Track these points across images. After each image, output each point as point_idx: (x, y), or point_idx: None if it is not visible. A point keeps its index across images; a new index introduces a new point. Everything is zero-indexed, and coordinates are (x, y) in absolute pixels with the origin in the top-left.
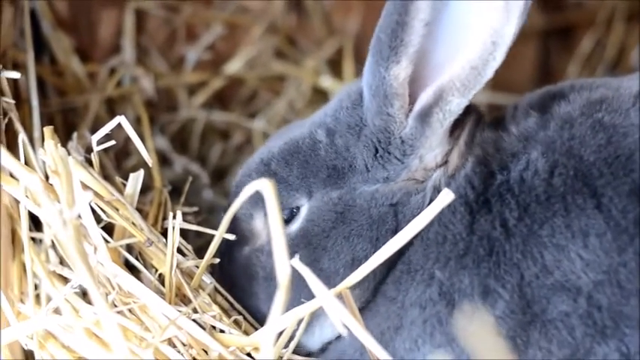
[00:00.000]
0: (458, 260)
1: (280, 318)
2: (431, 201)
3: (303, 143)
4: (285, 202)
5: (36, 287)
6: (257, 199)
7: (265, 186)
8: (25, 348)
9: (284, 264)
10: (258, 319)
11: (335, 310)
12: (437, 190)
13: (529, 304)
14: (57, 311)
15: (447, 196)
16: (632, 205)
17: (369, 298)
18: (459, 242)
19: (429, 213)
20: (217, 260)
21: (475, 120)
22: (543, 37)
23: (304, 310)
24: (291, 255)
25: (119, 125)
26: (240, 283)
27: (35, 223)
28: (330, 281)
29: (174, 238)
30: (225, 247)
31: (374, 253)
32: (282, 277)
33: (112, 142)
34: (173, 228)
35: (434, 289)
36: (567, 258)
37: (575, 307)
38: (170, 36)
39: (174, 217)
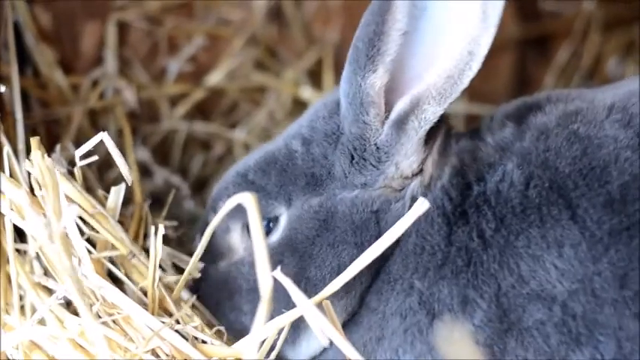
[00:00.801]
0: (436, 270)
1: (262, 328)
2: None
3: (279, 153)
4: (263, 211)
5: (21, 298)
6: (234, 212)
7: (247, 198)
8: (11, 358)
9: (266, 276)
10: (241, 333)
11: (316, 320)
12: (415, 199)
13: (505, 313)
14: (42, 322)
15: (422, 205)
16: (606, 216)
17: (355, 308)
18: (437, 253)
19: (405, 222)
20: (197, 275)
21: (446, 130)
22: (520, 47)
23: (285, 319)
24: (277, 265)
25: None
26: (219, 299)
27: (20, 234)
28: (317, 289)
29: (157, 252)
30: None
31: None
32: (265, 288)
33: (95, 158)
34: (155, 241)
35: (414, 299)
36: (542, 268)
37: (550, 316)
38: (152, 48)
39: (155, 232)
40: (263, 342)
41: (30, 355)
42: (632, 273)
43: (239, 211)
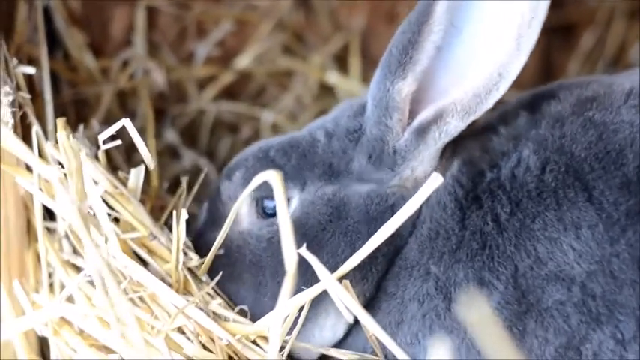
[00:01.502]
0: (451, 254)
1: (285, 304)
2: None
3: (302, 140)
4: None
5: (50, 276)
6: (247, 182)
7: (273, 176)
8: (40, 334)
9: (291, 252)
10: (236, 302)
11: (340, 296)
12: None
13: (524, 294)
14: (70, 300)
15: (436, 180)
16: (623, 197)
17: (373, 294)
18: (451, 237)
19: (420, 196)
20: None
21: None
22: (545, 35)
23: (307, 295)
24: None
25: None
26: (220, 266)
27: (49, 213)
28: None
29: (179, 237)
30: (201, 234)
31: (376, 247)
32: (290, 264)
33: (118, 142)
34: (178, 226)
35: (431, 284)
36: (560, 249)
37: (570, 296)
38: (180, 32)
39: (178, 217)
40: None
41: (60, 332)
42: None
43: (247, 183)
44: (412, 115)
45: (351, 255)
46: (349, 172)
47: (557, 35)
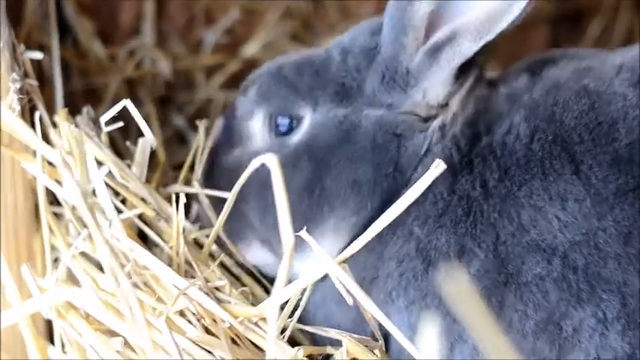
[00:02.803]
0: (436, 219)
1: (284, 289)
2: (430, 145)
3: (317, 57)
4: (289, 107)
5: (56, 261)
6: (261, 97)
7: (271, 160)
8: (46, 317)
9: (289, 233)
10: (242, 221)
11: (341, 279)
12: (436, 135)
13: (503, 263)
14: (77, 283)
15: (438, 168)
16: (613, 175)
17: (360, 232)
18: (438, 201)
19: (422, 183)
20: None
21: (477, 74)
22: (553, 23)
23: (308, 279)
24: (294, 167)
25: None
26: (228, 186)
27: (57, 198)
28: (330, 202)
29: (179, 221)
30: (216, 153)
31: (374, 179)
32: (287, 245)
33: (120, 124)
34: (178, 203)
35: (412, 245)
36: (544, 218)
37: (550, 270)
38: (189, 20)
39: (177, 202)
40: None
41: (65, 316)
42: (636, 232)
43: (266, 98)
44: (429, 33)
45: (353, 181)
46: (361, 94)
47: (565, 24)
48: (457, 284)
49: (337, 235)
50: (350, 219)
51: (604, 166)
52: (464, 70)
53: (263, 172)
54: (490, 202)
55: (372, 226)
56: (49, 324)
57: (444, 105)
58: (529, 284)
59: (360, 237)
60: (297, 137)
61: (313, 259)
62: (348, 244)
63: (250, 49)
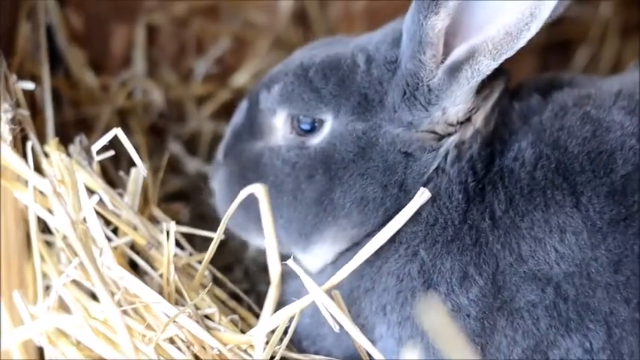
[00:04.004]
0: (444, 245)
1: (272, 317)
2: (439, 166)
3: (344, 62)
4: (311, 111)
5: (48, 288)
6: (284, 98)
7: (259, 190)
8: (38, 344)
9: (275, 262)
10: (250, 214)
11: (327, 307)
12: (447, 155)
13: (500, 290)
14: (68, 311)
15: (422, 196)
16: (608, 207)
17: (360, 241)
18: (449, 227)
19: (405, 214)
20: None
21: (504, 85)
22: (542, 51)
23: (296, 307)
24: (308, 177)
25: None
26: (245, 177)
27: (48, 226)
28: (336, 213)
29: (170, 251)
30: (238, 136)
31: (381, 198)
32: (274, 274)
33: (112, 153)
34: (168, 235)
35: (415, 266)
36: (543, 249)
37: (542, 298)
38: (180, 49)
39: (168, 234)
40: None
41: (56, 343)
42: (625, 260)
43: (289, 99)
44: (446, 50)
45: (361, 198)
46: (383, 108)
47: (553, 51)
48: (436, 315)
49: (335, 242)
50: (351, 231)
51: (601, 197)
52: (491, 79)
53: (271, 170)
54: (495, 233)
55: (355, 256)
56: (40, 351)
57: (465, 121)
58: (521, 310)
59: (344, 267)
60: (317, 140)
61: (314, 253)
62: (346, 251)
63: (240, 78)
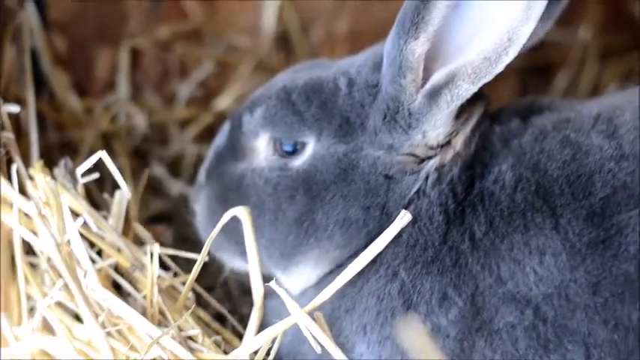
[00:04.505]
0: (424, 266)
1: (255, 337)
2: (420, 189)
3: (326, 85)
4: (294, 133)
5: (32, 310)
6: (267, 121)
7: (242, 213)
8: None
9: (258, 284)
10: (230, 235)
11: (310, 329)
12: (428, 178)
13: (479, 311)
14: (52, 332)
15: (403, 219)
16: (587, 229)
17: (343, 263)
18: (429, 249)
19: (386, 236)
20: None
21: (483, 109)
22: (521, 75)
23: (278, 328)
24: (289, 198)
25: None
26: (226, 199)
27: (33, 248)
28: (318, 234)
29: (153, 273)
30: (220, 158)
31: (364, 220)
32: (257, 296)
33: (96, 175)
34: (152, 256)
35: (395, 286)
36: (522, 271)
37: (521, 319)
38: (163, 73)
39: (151, 256)
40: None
41: None
42: (604, 281)
43: (272, 122)
44: (426, 74)
45: (343, 220)
46: (364, 131)
47: (533, 75)
48: (416, 335)
49: (318, 265)
50: (333, 252)
51: (580, 220)
52: (471, 102)
53: (253, 191)
54: (475, 254)
55: (337, 278)
56: None
57: (445, 144)
58: (500, 332)
59: (326, 288)
60: (299, 162)
61: (297, 275)
62: (329, 273)
63: (223, 102)
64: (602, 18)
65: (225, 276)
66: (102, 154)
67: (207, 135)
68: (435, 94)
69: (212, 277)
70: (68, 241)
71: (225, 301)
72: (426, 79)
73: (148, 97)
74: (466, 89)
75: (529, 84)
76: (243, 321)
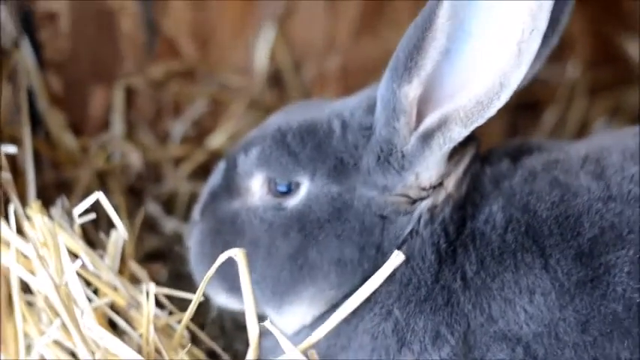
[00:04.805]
0: (417, 304)
1: None
2: (413, 229)
3: (321, 127)
4: (288, 174)
5: (28, 348)
6: (262, 161)
7: (238, 254)
8: None
9: (254, 325)
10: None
11: None
12: (421, 218)
13: (470, 350)
14: None
15: (397, 258)
16: (575, 269)
17: (338, 302)
18: (422, 288)
19: (380, 275)
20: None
21: (475, 151)
22: (511, 112)
23: None
24: (283, 237)
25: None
26: (220, 235)
27: (29, 287)
28: (312, 273)
29: (150, 311)
30: (215, 196)
31: (359, 259)
32: (252, 336)
33: (93, 216)
34: (148, 295)
35: (389, 324)
36: (512, 310)
37: (512, 357)
38: (157, 111)
39: (147, 295)
40: None
41: None
42: (592, 320)
43: (266, 162)
44: (419, 117)
45: (338, 260)
46: (358, 172)
47: (522, 112)
48: None
49: (313, 304)
50: (329, 292)
51: (569, 260)
52: (462, 144)
53: (248, 228)
54: (467, 294)
55: (332, 316)
56: None
57: (437, 185)
58: None
59: (320, 327)
60: (293, 202)
61: (291, 314)
62: (324, 313)
63: (216, 140)
64: (590, 53)
65: (218, 312)
66: (99, 195)
67: (201, 172)
68: (427, 137)
69: (206, 313)
70: (66, 284)
71: (219, 338)
72: (419, 122)
73: (143, 135)
74: (458, 132)
75: (518, 121)
76: (237, 357)
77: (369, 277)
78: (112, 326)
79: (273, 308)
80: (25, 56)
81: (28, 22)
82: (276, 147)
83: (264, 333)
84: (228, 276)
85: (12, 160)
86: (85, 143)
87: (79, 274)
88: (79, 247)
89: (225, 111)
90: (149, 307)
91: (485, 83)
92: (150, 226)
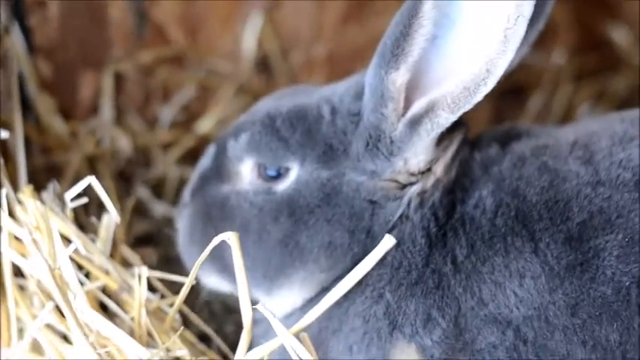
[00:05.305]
0: (409, 288)
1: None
2: (403, 213)
3: (310, 112)
4: (278, 159)
5: (21, 331)
6: (252, 147)
7: (232, 237)
8: None
9: (247, 308)
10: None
11: (295, 351)
12: (411, 203)
13: (461, 332)
14: (41, 353)
15: (388, 242)
16: (565, 252)
17: (329, 286)
18: (412, 271)
19: (371, 259)
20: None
21: (463, 136)
22: (496, 98)
23: (265, 349)
24: (273, 220)
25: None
26: (210, 218)
27: (21, 271)
28: (302, 257)
29: (142, 294)
30: (205, 179)
31: (349, 243)
32: (246, 320)
33: (85, 200)
34: (140, 278)
35: (380, 307)
36: (503, 293)
37: (503, 340)
38: (146, 97)
39: (139, 277)
40: None
41: None
42: (582, 303)
43: (256, 148)
44: (407, 103)
45: (328, 243)
46: (347, 157)
47: (507, 98)
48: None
49: (303, 287)
50: (319, 275)
51: (559, 244)
52: (450, 130)
53: (238, 212)
54: (457, 277)
55: (323, 300)
56: None
57: (426, 171)
58: (482, 351)
59: (312, 310)
60: (283, 186)
61: (281, 297)
62: (316, 297)
63: (205, 125)
64: (576, 40)
65: (208, 295)
66: (91, 180)
67: (190, 157)
68: (415, 123)
69: (196, 296)
70: (59, 268)
71: (209, 321)
72: (406, 108)
73: (132, 120)
74: (446, 118)
75: (503, 107)
76: (228, 340)
77: (359, 261)
78: (104, 309)
79: (263, 291)
80: (16, 42)
81: (18, 8)
82: (266, 132)
83: (254, 320)
84: (218, 257)
85: (2, 144)
86: (74, 128)
87: (71, 258)
88: (72, 231)
89: (213, 96)
90: (141, 291)
91: (472, 69)
92: (139, 210)
